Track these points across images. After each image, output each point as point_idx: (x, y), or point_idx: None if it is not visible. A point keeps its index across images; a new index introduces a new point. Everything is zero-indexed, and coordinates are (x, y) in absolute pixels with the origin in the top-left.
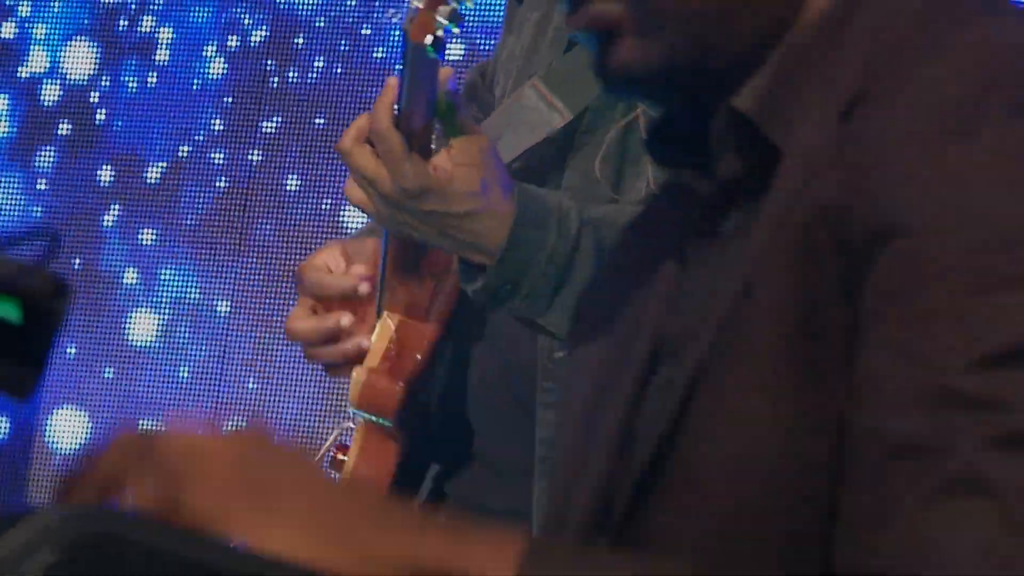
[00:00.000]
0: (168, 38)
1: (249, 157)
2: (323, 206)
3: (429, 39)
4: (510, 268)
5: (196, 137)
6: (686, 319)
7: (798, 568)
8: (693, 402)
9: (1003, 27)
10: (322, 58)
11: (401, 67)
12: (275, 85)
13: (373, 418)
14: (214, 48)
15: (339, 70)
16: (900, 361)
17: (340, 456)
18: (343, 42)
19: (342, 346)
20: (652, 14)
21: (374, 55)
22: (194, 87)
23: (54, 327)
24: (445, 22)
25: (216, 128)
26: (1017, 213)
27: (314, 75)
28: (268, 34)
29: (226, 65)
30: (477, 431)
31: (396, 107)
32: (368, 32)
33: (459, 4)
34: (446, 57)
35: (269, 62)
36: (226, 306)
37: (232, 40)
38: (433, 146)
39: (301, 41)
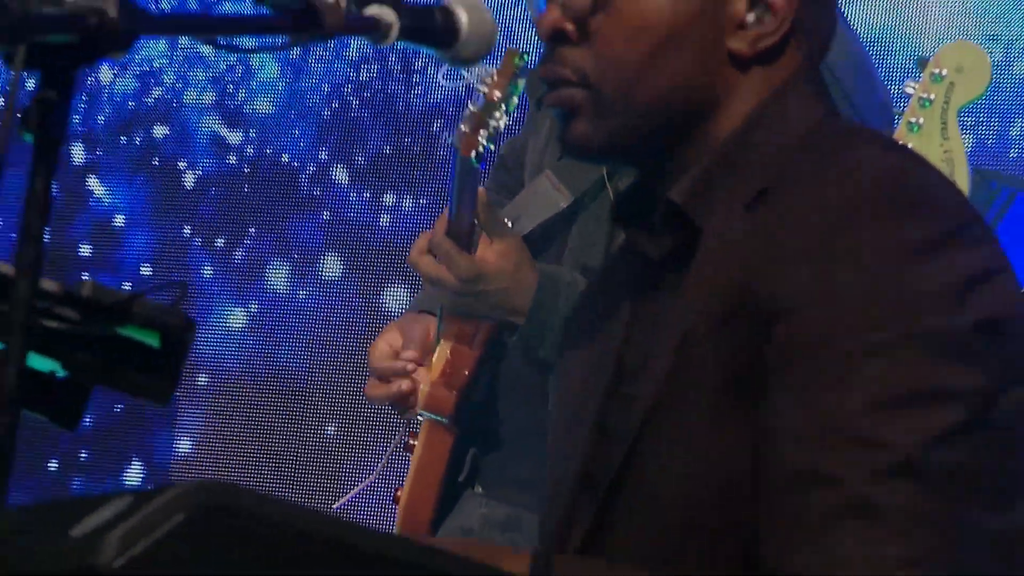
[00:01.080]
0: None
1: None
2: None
3: (474, 154)
4: (535, 324)
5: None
6: (638, 350)
7: (734, 564)
8: (648, 427)
9: (873, 152)
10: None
11: (452, 180)
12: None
13: (435, 416)
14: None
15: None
16: (801, 408)
17: (412, 442)
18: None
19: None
20: (602, 105)
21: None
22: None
23: (184, 352)
24: (486, 141)
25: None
26: (886, 293)
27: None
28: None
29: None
30: (505, 424)
31: (449, 215)
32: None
33: (497, 126)
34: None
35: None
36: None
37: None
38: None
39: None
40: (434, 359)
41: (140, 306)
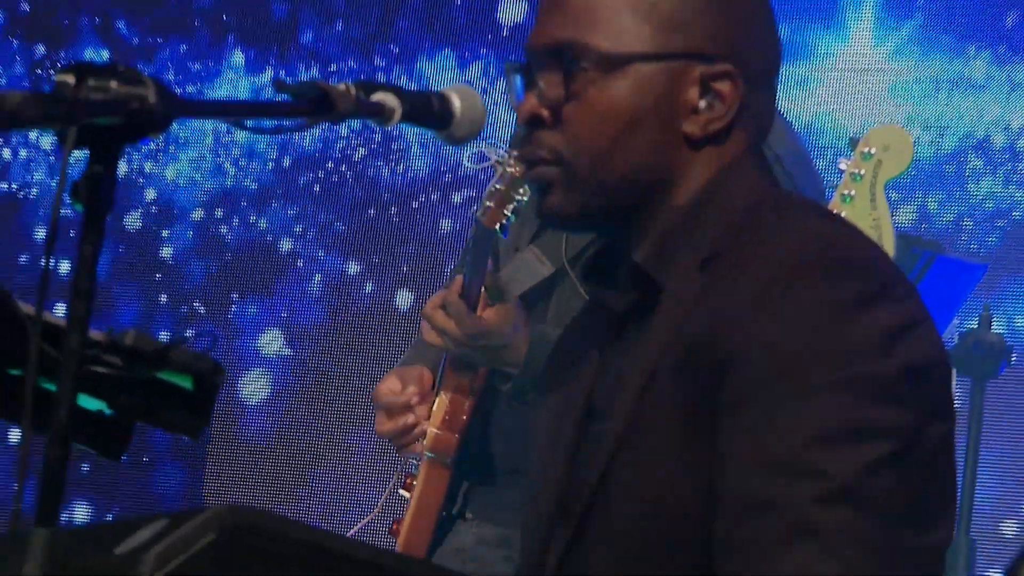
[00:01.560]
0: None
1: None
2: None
3: (499, 226)
4: (526, 376)
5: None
6: (606, 392)
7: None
8: (616, 459)
9: (810, 221)
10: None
11: (468, 251)
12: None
13: (438, 455)
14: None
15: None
16: (750, 444)
17: (411, 482)
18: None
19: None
20: (574, 180)
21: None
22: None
23: (214, 394)
24: (510, 214)
25: None
26: (823, 344)
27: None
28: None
29: None
30: (496, 459)
31: (464, 279)
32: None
33: (519, 201)
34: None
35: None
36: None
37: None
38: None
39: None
40: (435, 408)
41: (176, 353)
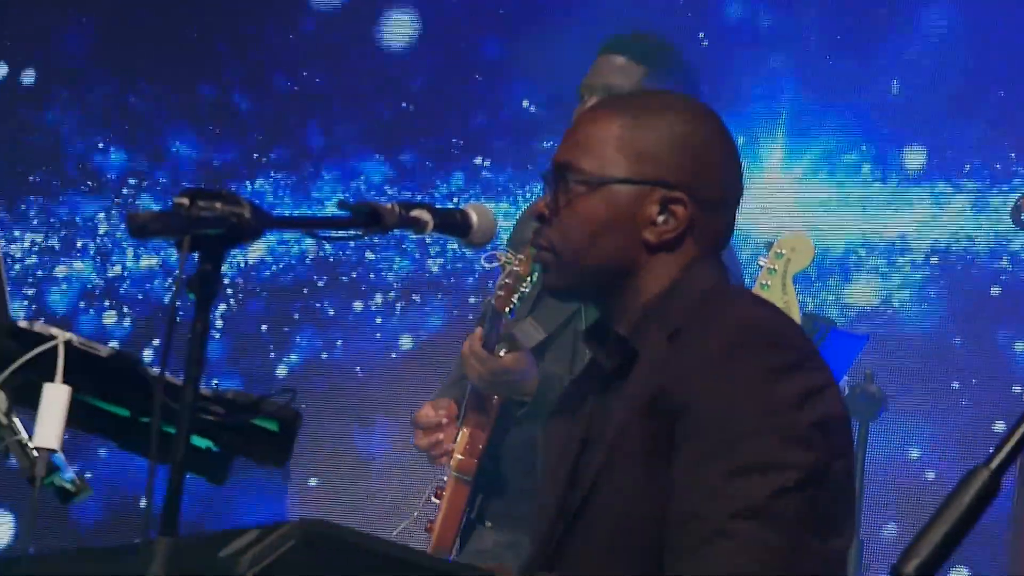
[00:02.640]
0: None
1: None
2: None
3: (507, 309)
4: (538, 403)
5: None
6: (596, 428)
7: (652, 572)
8: (598, 483)
9: (746, 306)
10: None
11: (484, 317)
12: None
13: (461, 475)
14: None
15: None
16: (690, 473)
17: (441, 492)
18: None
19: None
20: (562, 265)
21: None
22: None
23: (294, 434)
24: (517, 301)
25: None
26: (751, 401)
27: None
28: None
29: None
30: (509, 475)
31: (484, 334)
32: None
33: (524, 291)
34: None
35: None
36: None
37: None
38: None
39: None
40: (458, 438)
41: (265, 404)
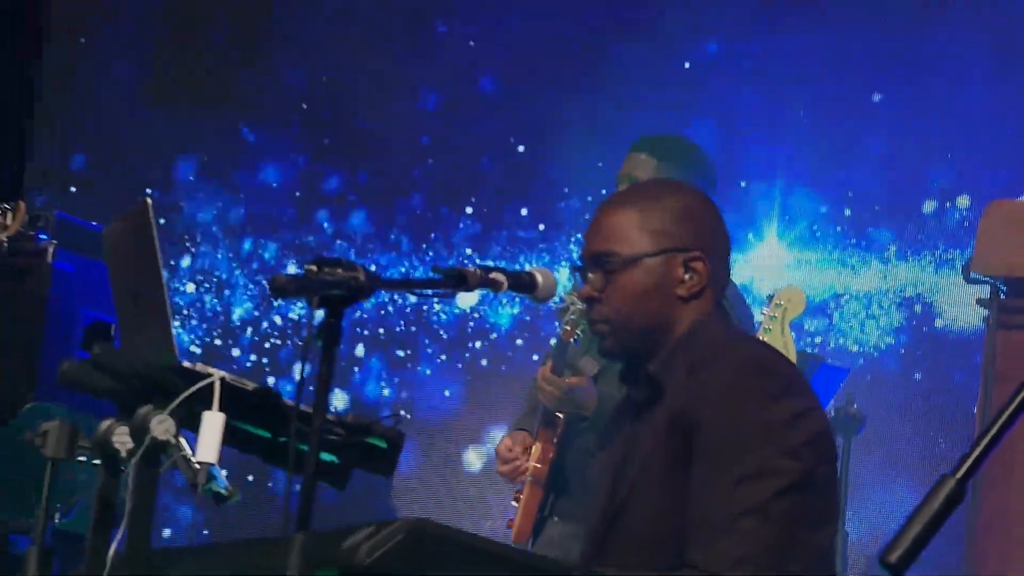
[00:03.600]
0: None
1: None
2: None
3: (572, 339)
4: (598, 416)
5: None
6: (631, 451)
7: (677, 564)
8: (633, 491)
9: (750, 347)
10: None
11: (554, 347)
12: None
13: (536, 480)
14: None
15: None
16: (703, 482)
17: (518, 495)
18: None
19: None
20: (615, 333)
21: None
22: None
23: (399, 450)
24: (580, 333)
25: None
26: (753, 422)
27: None
28: None
29: None
30: (574, 478)
31: (553, 361)
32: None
33: (581, 328)
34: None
35: None
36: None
37: None
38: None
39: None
40: (532, 451)
41: (376, 426)
